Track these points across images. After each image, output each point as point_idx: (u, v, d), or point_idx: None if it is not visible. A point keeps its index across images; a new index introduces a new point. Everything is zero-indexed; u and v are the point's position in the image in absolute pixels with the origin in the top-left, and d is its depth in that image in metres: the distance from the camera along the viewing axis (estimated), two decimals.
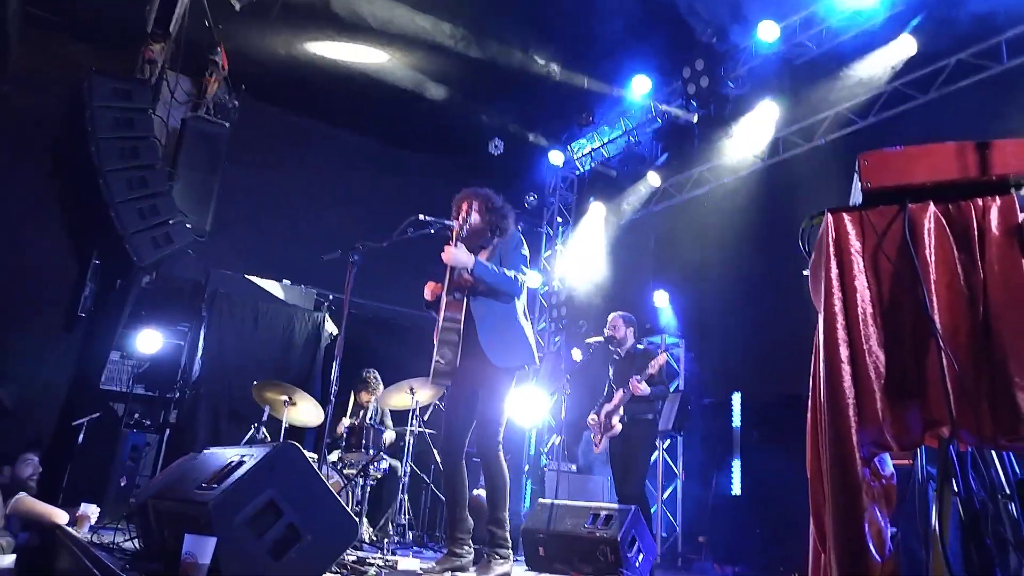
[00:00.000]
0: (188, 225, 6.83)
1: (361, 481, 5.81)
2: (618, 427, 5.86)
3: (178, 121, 7.77)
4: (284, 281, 8.16)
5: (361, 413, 6.48)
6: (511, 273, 3.80)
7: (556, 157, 9.61)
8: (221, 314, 7.40)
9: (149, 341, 6.93)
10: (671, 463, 7.84)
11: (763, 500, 6.76)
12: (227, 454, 2.81)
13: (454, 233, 3.88)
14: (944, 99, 6.44)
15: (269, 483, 2.45)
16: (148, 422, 6.83)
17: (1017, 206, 1.70)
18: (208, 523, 2.29)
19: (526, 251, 4.05)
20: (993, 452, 1.78)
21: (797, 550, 5.80)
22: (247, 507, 2.38)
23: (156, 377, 7.13)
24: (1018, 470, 1.88)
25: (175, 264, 7.12)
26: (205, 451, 3.11)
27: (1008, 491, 1.81)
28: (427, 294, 4.01)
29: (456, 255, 3.73)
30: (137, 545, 3.22)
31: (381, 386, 6.51)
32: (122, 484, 6.09)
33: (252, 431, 5.87)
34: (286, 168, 8.74)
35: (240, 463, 2.55)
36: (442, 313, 3.82)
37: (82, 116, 6.43)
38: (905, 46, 6.60)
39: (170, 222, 6.58)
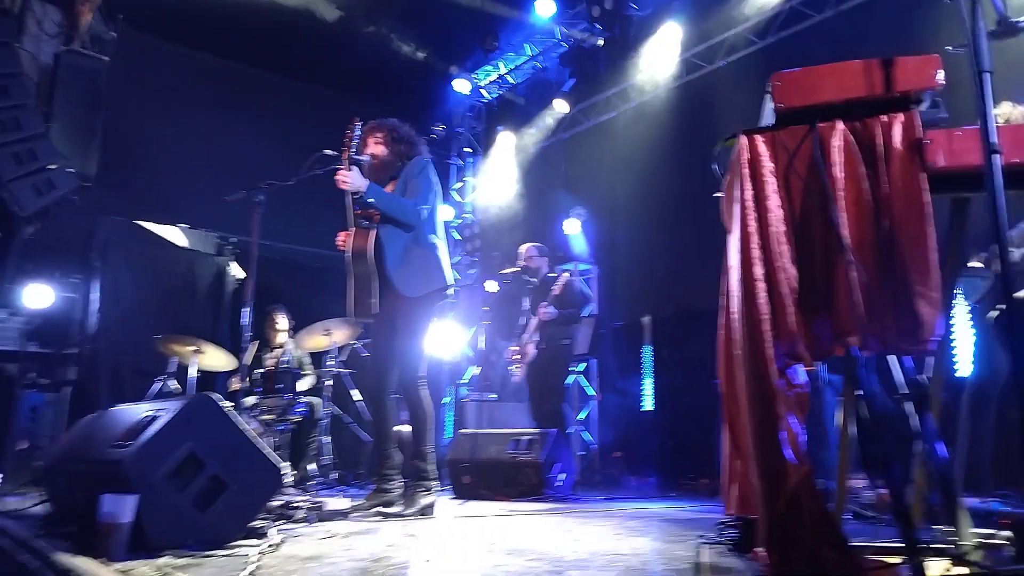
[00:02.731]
0: (71, 170, 6.35)
1: (280, 426, 5.73)
2: (534, 353, 5.99)
3: (50, 56, 7.10)
4: (181, 225, 7.75)
5: (276, 353, 6.33)
6: (409, 202, 3.70)
7: (462, 85, 9.39)
8: (115, 264, 7.00)
9: (39, 295, 6.49)
10: (586, 385, 8.07)
11: (673, 414, 7.10)
12: (138, 410, 2.69)
13: (344, 155, 3.71)
14: (839, 16, 6.60)
15: (188, 436, 2.37)
16: (46, 381, 6.47)
17: (917, 122, 1.76)
18: (126, 481, 2.20)
19: (433, 175, 3.93)
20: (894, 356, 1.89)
21: (706, 458, 6.17)
22: (167, 461, 2.31)
23: (50, 333, 6.70)
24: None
25: (60, 212, 6.63)
26: (112, 408, 2.97)
27: (906, 391, 1.93)
28: (339, 242, 3.85)
29: (351, 179, 3.60)
30: (47, 510, 3.08)
31: (284, 320, 6.37)
32: (23, 447, 5.79)
33: (161, 384, 5.67)
34: (175, 105, 8.19)
35: (154, 418, 2.44)
36: (350, 245, 3.71)
37: None
38: None
39: (51, 167, 6.11)
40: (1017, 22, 1.91)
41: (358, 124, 3.82)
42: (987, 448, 3.63)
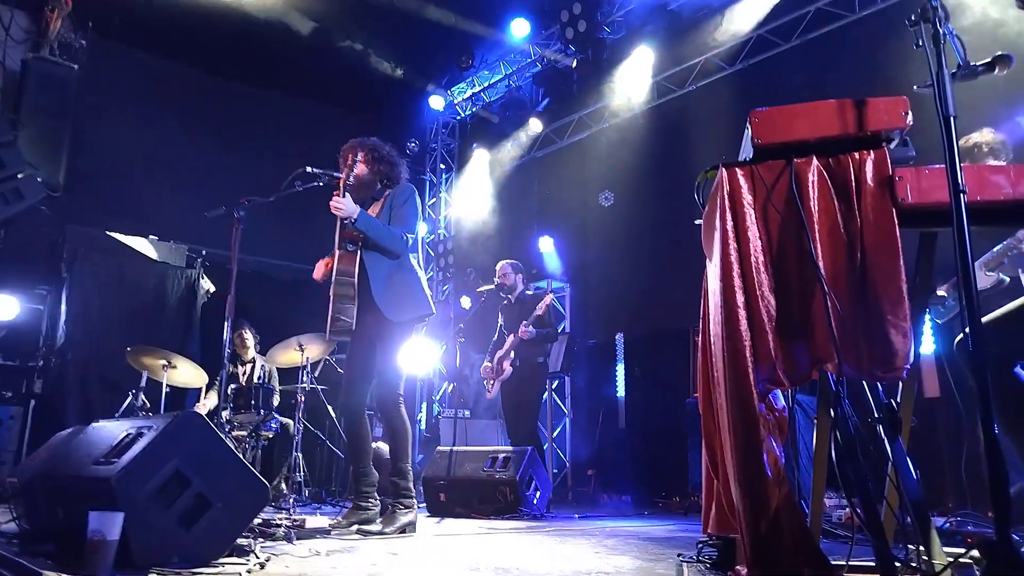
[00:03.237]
0: (39, 179, 6.27)
1: (253, 442, 5.70)
2: (509, 371, 6.04)
3: (17, 62, 7.01)
4: (151, 237, 7.66)
5: (248, 371, 6.30)
6: (396, 231, 3.77)
7: (436, 102, 9.48)
8: (83, 275, 6.88)
9: (4, 307, 6.38)
10: (559, 402, 8.14)
11: (645, 432, 7.19)
12: (119, 426, 2.69)
13: (341, 183, 3.79)
14: (806, 45, 6.84)
15: (173, 453, 2.38)
16: (9, 393, 6.35)
17: (888, 159, 1.87)
18: (112, 498, 2.20)
19: (418, 203, 4.02)
20: (865, 383, 1.98)
21: (677, 476, 6.26)
22: (152, 479, 2.31)
23: (15, 345, 6.58)
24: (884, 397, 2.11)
25: (27, 222, 6.53)
26: (92, 425, 2.95)
27: (877, 415, 2.03)
28: (316, 274, 3.92)
29: (344, 205, 3.66)
30: (18, 527, 3.03)
31: (251, 336, 6.35)
32: None
33: (130, 398, 5.60)
34: (145, 115, 8.12)
35: (139, 435, 2.45)
36: (336, 266, 3.76)
37: None
38: None
39: (18, 176, 6.03)
40: (976, 66, 2.03)
41: (358, 148, 3.88)
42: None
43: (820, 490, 2.07)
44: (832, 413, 1.95)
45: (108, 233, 7.35)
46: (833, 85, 6.23)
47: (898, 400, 2.05)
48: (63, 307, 6.82)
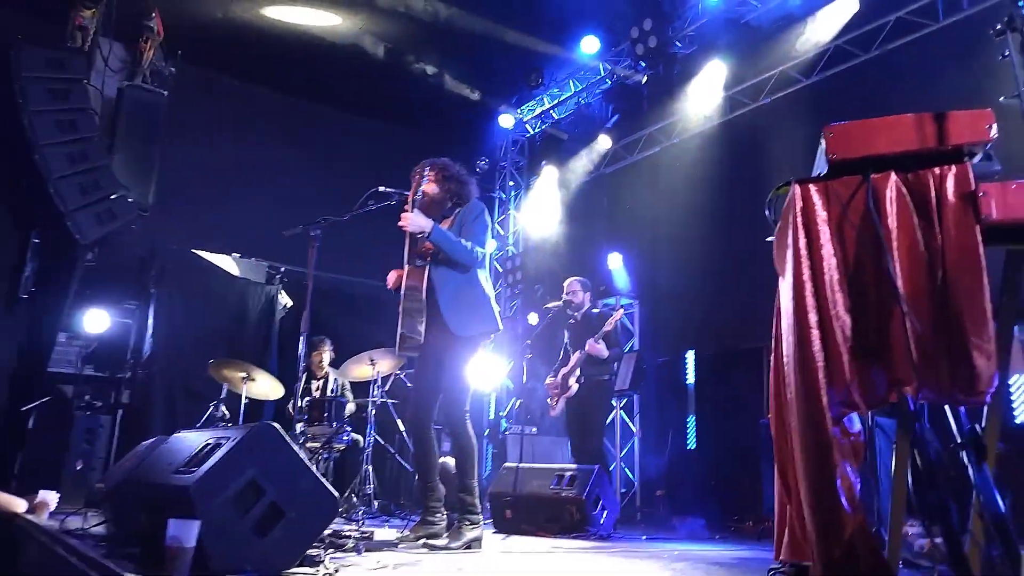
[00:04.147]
0: (131, 199, 6.61)
1: (325, 454, 5.83)
2: (575, 388, 6.00)
3: (114, 90, 7.43)
4: (234, 254, 7.99)
5: (322, 384, 6.47)
6: (468, 244, 3.82)
7: (506, 120, 9.57)
8: (170, 290, 7.23)
9: (96, 320, 6.74)
10: (628, 421, 8.04)
11: (717, 453, 7.01)
12: (200, 437, 2.79)
13: (409, 198, 3.88)
14: (885, 56, 6.62)
15: (249, 463, 2.46)
16: (100, 403, 6.68)
17: (971, 174, 1.79)
18: (190, 506, 2.29)
19: (488, 220, 4.07)
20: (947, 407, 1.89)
21: (751, 500, 6.08)
22: (229, 488, 2.39)
23: (106, 357, 6.94)
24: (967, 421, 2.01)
25: (119, 240, 6.89)
26: (175, 435, 3.09)
27: (960, 440, 1.93)
28: (389, 283, 4.00)
29: (413, 220, 3.73)
30: (107, 531, 3.19)
31: (328, 350, 6.52)
32: (78, 468, 5.97)
33: (211, 408, 5.81)
34: (230, 136, 8.50)
35: (217, 445, 2.54)
36: (404, 282, 3.84)
37: (10, 87, 6.12)
38: (848, 4, 6.74)
39: (112, 197, 6.35)
40: None
41: (426, 166, 3.96)
42: None
43: (898, 518, 1.97)
44: (911, 438, 1.87)
45: (194, 251, 7.69)
46: (913, 98, 6.01)
47: (983, 425, 1.95)
48: (150, 321, 7.16)
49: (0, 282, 6.55)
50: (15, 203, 6.67)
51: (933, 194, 1.79)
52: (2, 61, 6.26)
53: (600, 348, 5.86)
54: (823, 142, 1.91)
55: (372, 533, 3.59)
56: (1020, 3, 1.67)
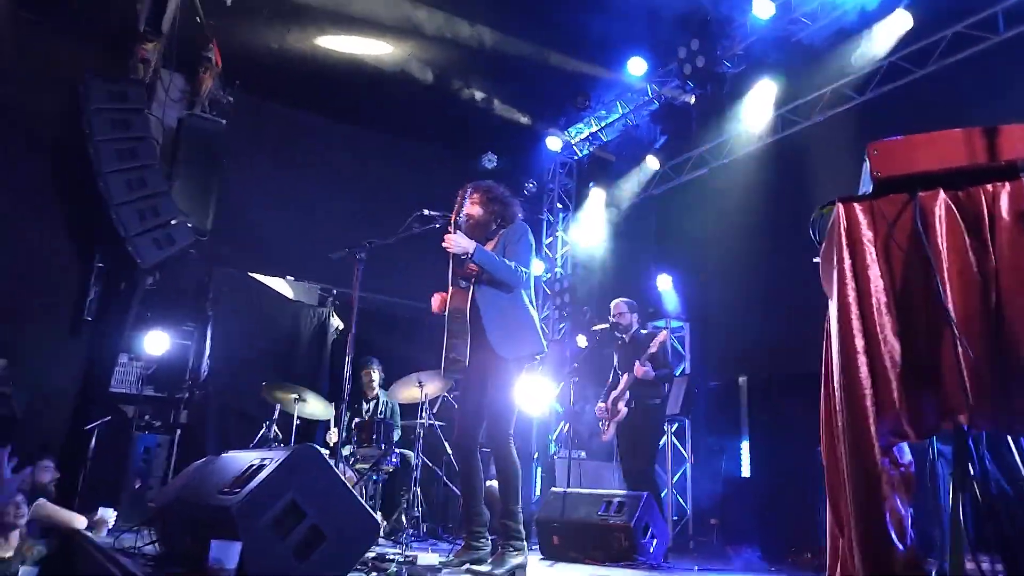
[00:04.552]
0: (189, 225, 6.82)
1: (374, 475, 5.86)
2: (624, 412, 5.90)
3: (174, 120, 7.74)
4: (288, 277, 8.16)
5: (372, 406, 6.52)
6: (512, 264, 3.81)
7: (554, 143, 9.58)
8: (226, 313, 7.40)
9: (156, 342, 6.94)
10: (680, 447, 7.88)
11: (772, 481, 6.81)
12: (246, 457, 2.84)
13: (452, 220, 3.90)
14: (942, 72, 6.43)
15: (290, 485, 2.48)
16: (159, 423, 6.86)
17: None
18: (232, 527, 2.32)
19: (531, 240, 4.05)
20: (1008, 437, 1.79)
21: (807, 530, 5.88)
22: (270, 510, 2.41)
23: (165, 378, 7.13)
24: None
25: (178, 264, 7.11)
26: (223, 455, 3.14)
27: None
28: (434, 306, 4.00)
29: (456, 241, 3.74)
30: (158, 549, 3.25)
31: (377, 372, 6.57)
32: (136, 486, 6.13)
33: (264, 429, 5.91)
34: (284, 163, 8.72)
35: (261, 466, 2.57)
36: (448, 304, 3.85)
37: (79, 118, 6.42)
38: (901, 20, 6.58)
39: (171, 222, 6.57)
40: None
41: (469, 188, 3.98)
42: None
43: (958, 553, 1.87)
44: (969, 470, 1.78)
45: (249, 274, 7.89)
46: (972, 114, 5.80)
47: None
48: (208, 343, 7.34)
49: (66, 305, 6.83)
50: (82, 230, 6.97)
51: (985, 212, 1.71)
52: (73, 94, 6.59)
53: (647, 370, 5.77)
54: (867, 160, 1.85)
55: (416, 557, 3.58)
56: None
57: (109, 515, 4.47)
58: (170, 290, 7.43)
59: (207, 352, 7.35)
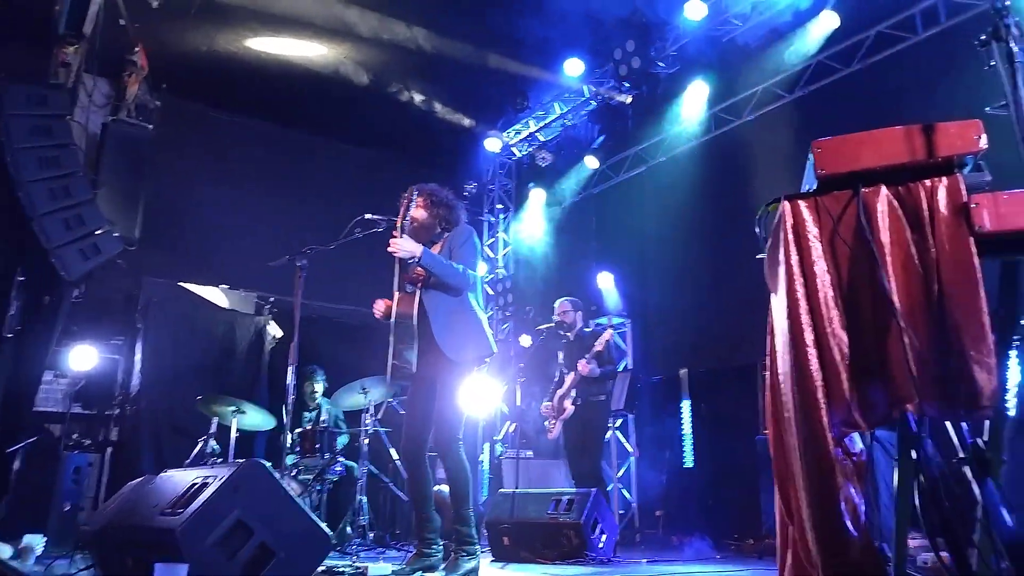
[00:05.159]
0: (116, 234, 6.54)
1: (318, 486, 5.74)
2: (571, 410, 5.94)
3: (98, 126, 7.43)
4: (222, 286, 7.91)
5: (314, 416, 6.39)
6: (459, 267, 3.78)
7: (493, 144, 9.57)
8: (157, 325, 7.13)
9: (84, 357, 6.64)
10: (624, 441, 7.98)
11: (714, 471, 6.96)
12: (187, 476, 2.73)
13: (397, 224, 3.83)
14: (868, 70, 6.67)
15: (236, 503, 2.40)
16: (88, 442, 6.57)
17: (962, 185, 1.77)
18: (177, 549, 2.23)
19: (477, 243, 4.04)
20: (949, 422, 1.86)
21: (750, 516, 6.02)
22: (216, 529, 2.33)
23: (94, 394, 6.83)
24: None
25: (105, 276, 6.81)
26: (162, 474, 3.01)
27: (963, 455, 1.90)
28: (377, 313, 3.94)
29: (402, 245, 3.68)
30: (95, 575, 3.10)
31: (320, 381, 6.46)
32: (66, 509, 5.85)
33: (201, 444, 5.72)
34: (216, 168, 8.46)
35: (204, 485, 2.48)
36: (394, 309, 3.79)
37: None
38: (827, 20, 6.79)
39: (97, 232, 6.28)
40: None
41: (414, 191, 3.93)
42: None
43: (903, 535, 1.93)
44: (914, 455, 1.83)
45: (180, 284, 7.62)
46: (898, 110, 6.05)
47: (985, 439, 1.91)
48: (138, 356, 7.06)
49: None
50: (0, 242, 6.61)
51: (925, 207, 1.77)
52: None
53: (592, 368, 5.83)
54: (811, 157, 1.89)
55: (367, 568, 3.51)
56: (1004, 14, 1.66)
57: (37, 541, 4.25)
58: (97, 302, 7.12)
59: (138, 366, 7.08)
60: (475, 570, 3.59)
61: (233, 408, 5.73)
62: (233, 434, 5.71)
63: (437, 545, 3.72)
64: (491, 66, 8.20)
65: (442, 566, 3.61)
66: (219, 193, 8.33)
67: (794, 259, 1.83)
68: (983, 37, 1.72)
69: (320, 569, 3.16)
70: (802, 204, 1.88)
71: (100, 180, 7.00)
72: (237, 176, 8.57)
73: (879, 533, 2.97)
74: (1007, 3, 1.72)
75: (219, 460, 5.56)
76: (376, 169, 9.34)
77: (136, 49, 7.32)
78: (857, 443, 1.76)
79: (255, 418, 5.92)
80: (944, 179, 1.77)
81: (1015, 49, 1.68)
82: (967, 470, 1.91)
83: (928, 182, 1.78)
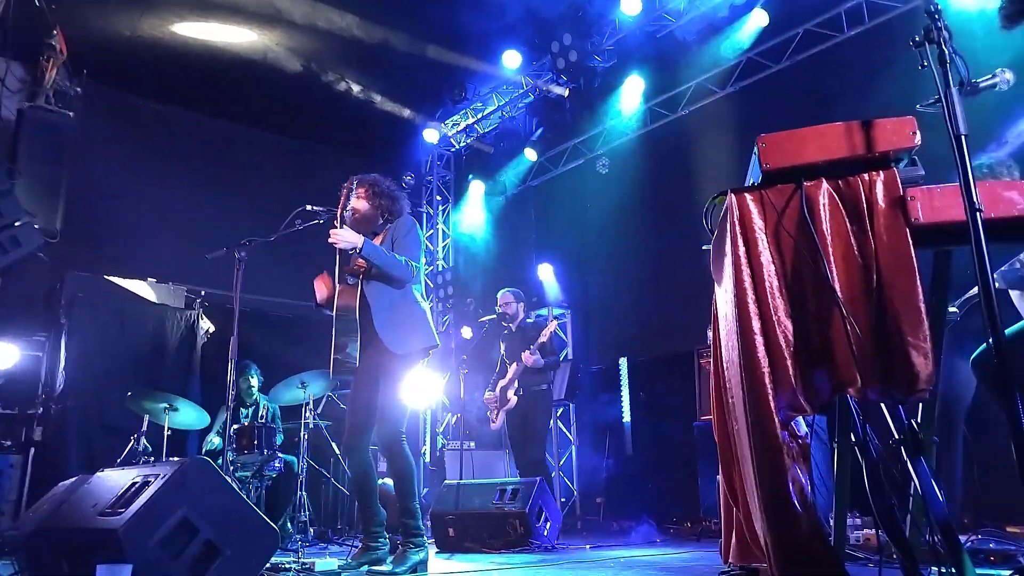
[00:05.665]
0: (36, 226, 6.26)
1: (256, 483, 5.63)
2: (514, 400, 5.99)
3: (13, 112, 7.06)
4: (149, 279, 7.64)
5: (251, 412, 6.25)
6: (401, 258, 3.75)
7: (431, 135, 9.51)
8: (82, 320, 6.82)
9: (3, 355, 6.32)
10: (565, 430, 8.08)
11: (653, 457, 7.12)
12: (125, 475, 2.64)
13: (337, 215, 3.78)
14: (796, 67, 6.89)
15: (180, 501, 2.34)
16: (9, 443, 6.26)
17: (898, 179, 1.86)
18: (120, 549, 2.16)
19: (420, 234, 4.02)
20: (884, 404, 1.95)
21: (689, 501, 6.18)
22: (160, 528, 2.26)
23: (14, 393, 6.50)
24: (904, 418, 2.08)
25: (25, 269, 6.50)
26: (97, 474, 2.91)
27: (899, 436, 2.00)
28: (318, 295, 3.86)
29: (343, 236, 3.63)
30: None
31: (256, 376, 6.33)
32: None
33: (132, 443, 5.53)
34: (141, 158, 8.13)
35: (145, 483, 2.40)
36: (336, 302, 3.75)
37: None
38: (758, 18, 6.99)
39: (16, 224, 6.01)
40: (978, 83, 2.04)
41: (355, 181, 3.87)
42: (956, 474, 3.71)
43: (843, 517, 2.03)
44: (852, 437, 1.92)
45: (106, 277, 7.32)
46: (827, 106, 6.28)
47: (919, 420, 2.02)
48: (62, 353, 6.76)
49: None
50: None
51: (864, 200, 1.85)
52: None
53: (536, 359, 5.88)
54: (756, 152, 1.95)
55: (313, 564, 3.46)
56: (936, 17, 1.75)
57: None
58: (17, 298, 6.78)
59: (62, 363, 6.77)
60: (423, 562, 3.60)
61: (165, 405, 5.56)
62: (166, 432, 5.54)
63: (383, 538, 3.70)
64: (429, 57, 8.14)
65: (390, 559, 3.59)
66: (146, 184, 8.02)
67: (741, 250, 1.89)
68: (917, 39, 1.80)
69: (265, 567, 3.10)
70: (748, 197, 1.94)
71: (17, 169, 6.66)
72: (164, 166, 8.28)
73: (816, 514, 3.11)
74: (939, 6, 1.81)
75: (151, 459, 5.39)
76: (312, 160, 9.17)
77: (54, 32, 6.97)
78: (802, 426, 1.84)
79: (188, 415, 5.76)
80: (881, 173, 1.86)
81: (947, 50, 1.77)
82: (902, 451, 2.02)
83: (867, 176, 1.86)
